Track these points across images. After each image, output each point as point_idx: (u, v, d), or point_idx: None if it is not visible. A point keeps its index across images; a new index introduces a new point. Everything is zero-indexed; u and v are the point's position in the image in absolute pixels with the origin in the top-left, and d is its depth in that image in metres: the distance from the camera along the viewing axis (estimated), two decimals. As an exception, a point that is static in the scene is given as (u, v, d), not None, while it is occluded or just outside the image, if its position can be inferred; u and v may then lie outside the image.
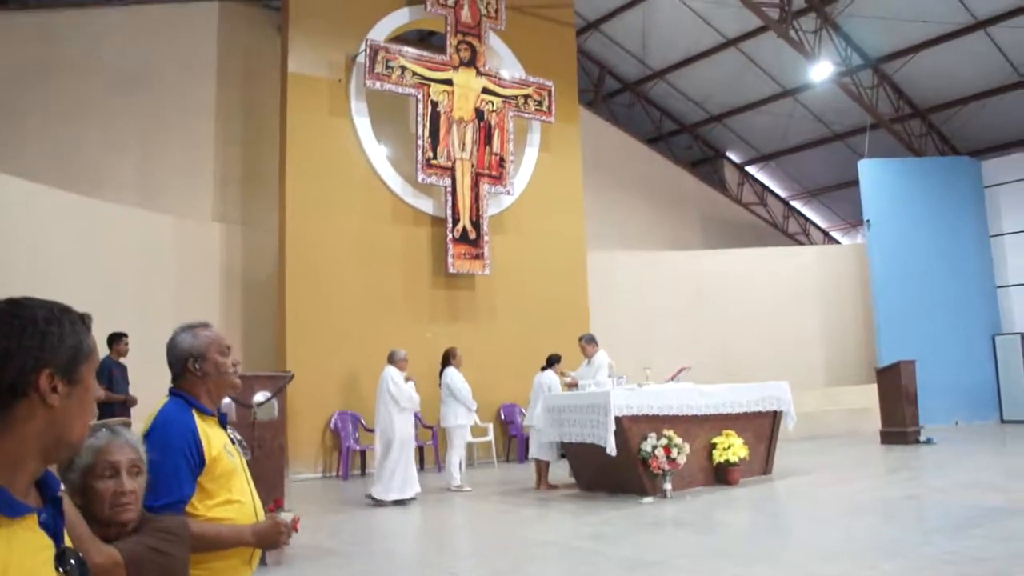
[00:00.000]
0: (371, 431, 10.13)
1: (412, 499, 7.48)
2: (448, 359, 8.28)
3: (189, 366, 2.22)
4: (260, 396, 6.81)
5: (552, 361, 8.73)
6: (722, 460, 7.66)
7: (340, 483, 9.51)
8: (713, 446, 7.79)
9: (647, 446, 7.16)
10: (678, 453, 7.15)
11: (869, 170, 14.46)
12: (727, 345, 14.49)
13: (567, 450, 8.14)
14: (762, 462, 8.30)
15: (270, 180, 11.10)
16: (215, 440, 2.16)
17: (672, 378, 8.58)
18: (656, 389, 7.65)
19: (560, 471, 8.75)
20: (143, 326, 8.83)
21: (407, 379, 7.69)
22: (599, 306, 13.30)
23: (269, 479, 6.26)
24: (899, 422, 10.86)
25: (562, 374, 8.65)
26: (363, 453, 10.21)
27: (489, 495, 7.98)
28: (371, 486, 7.51)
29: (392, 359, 7.87)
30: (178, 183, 10.93)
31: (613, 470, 7.45)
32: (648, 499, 7.02)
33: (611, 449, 6.99)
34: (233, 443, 2.31)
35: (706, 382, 8.40)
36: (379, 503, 7.42)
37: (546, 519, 6.62)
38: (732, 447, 7.69)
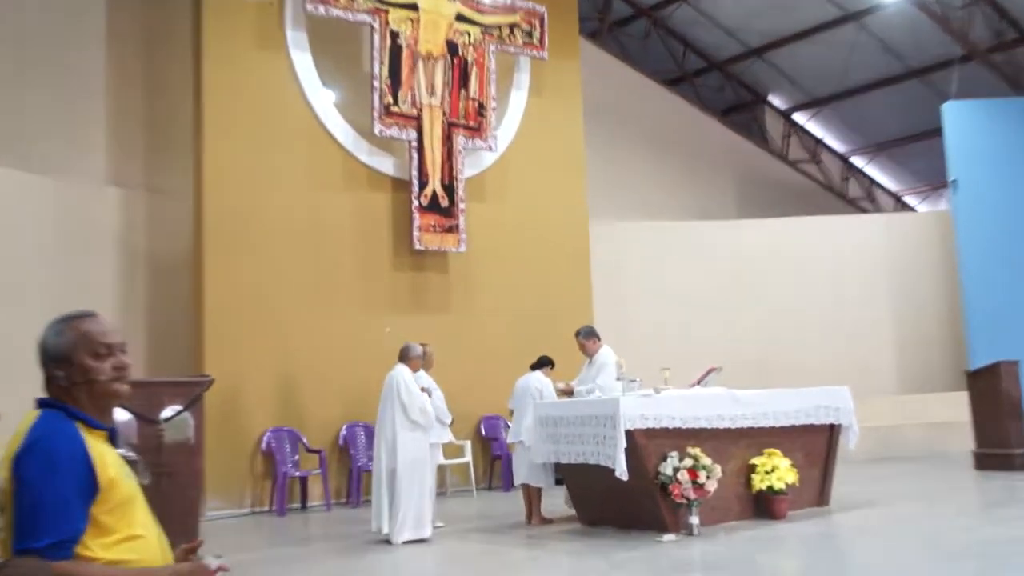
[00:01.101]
0: (315, 452, 10.28)
1: (427, 539, 7.58)
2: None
3: (52, 372, 2.21)
4: (170, 410, 6.74)
5: (543, 362, 8.77)
6: (764, 487, 7.69)
7: (275, 520, 9.62)
8: (752, 469, 7.81)
9: (667, 468, 7.17)
10: (707, 477, 7.15)
11: (957, 115, 14.32)
12: (770, 340, 14.57)
13: (564, 474, 8.18)
14: (816, 490, 8.35)
15: (182, 133, 10.95)
16: (110, 459, 2.16)
17: (699, 381, 8.61)
18: (678, 395, 7.68)
19: (556, 501, 8.82)
20: (7, 318, 8.71)
21: (424, 389, 7.84)
22: (606, 292, 13.41)
23: (180, 517, 6.20)
24: (1000, 441, 10.44)
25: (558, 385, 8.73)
26: (304, 480, 10.33)
27: (467, 533, 8.02)
28: (378, 522, 7.66)
29: (405, 356, 7.96)
30: (58, 136, 10.75)
31: (624, 499, 7.47)
32: (669, 537, 7.02)
33: (621, 472, 6.99)
34: (126, 463, 2.28)
35: (743, 387, 8.47)
36: (391, 543, 7.54)
37: (539, 563, 6.67)
38: (777, 470, 7.72)
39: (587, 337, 8.61)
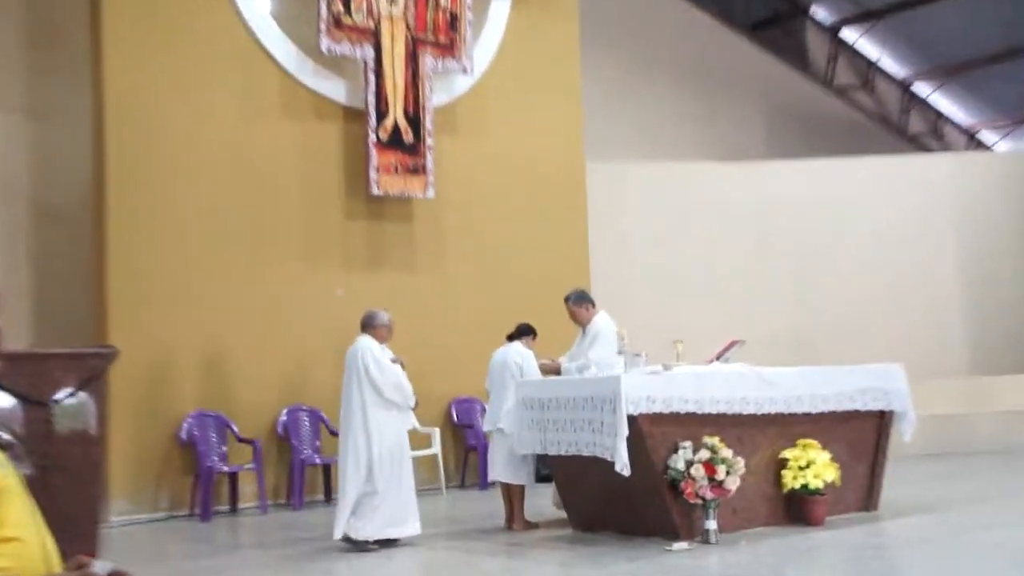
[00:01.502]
0: (247, 442, 10.27)
1: (402, 540, 7.71)
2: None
3: None
4: (64, 391, 6.72)
5: (523, 331, 8.80)
6: (797, 486, 7.72)
7: (197, 526, 9.65)
8: (783, 464, 7.84)
9: (678, 462, 7.19)
10: (727, 473, 7.16)
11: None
12: (806, 308, 14.66)
13: (553, 468, 8.24)
14: (862, 490, 8.39)
15: (75, 43, 10.77)
16: (-26, 444, 2.15)
17: (718, 357, 8.63)
18: (693, 373, 7.71)
19: (543, 500, 8.85)
20: None
21: (395, 360, 7.90)
22: (605, 248, 13.40)
23: (76, 520, 6.20)
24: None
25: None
26: (233, 477, 10.35)
27: (435, 539, 8.02)
28: (338, 520, 7.72)
29: (369, 325, 8.06)
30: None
31: (625, 499, 7.51)
32: (680, 545, 7.06)
33: (622, 466, 7.02)
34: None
35: (772, 364, 8.46)
36: (358, 545, 7.63)
37: None
38: (813, 466, 7.73)
39: (578, 303, 8.64)
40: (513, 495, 8.36)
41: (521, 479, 8.34)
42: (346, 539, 7.69)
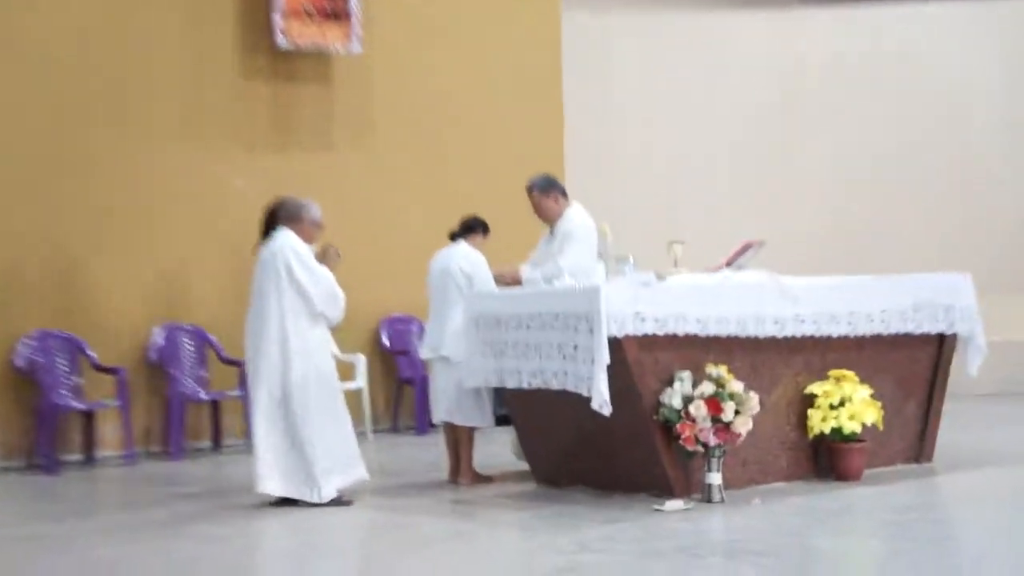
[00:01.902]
0: (109, 371, 10.17)
1: (348, 499, 7.80)
2: (274, 217, 8.16)
3: None
4: None
5: (470, 227, 8.78)
6: (828, 430, 7.78)
7: (40, 480, 9.69)
8: (810, 401, 7.91)
9: (674, 397, 7.21)
10: (736, 413, 7.19)
11: None
12: (846, 200, 14.58)
13: (512, 406, 8.36)
14: (911, 437, 8.50)
15: None
16: None
17: (729, 263, 8.66)
18: (694, 284, 7.77)
19: (498, 448, 9.02)
20: None
21: (322, 255, 7.96)
22: (584, 122, 13.42)
23: None
24: None
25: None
26: (89, 417, 10.42)
27: (361, 497, 8.06)
28: (259, 472, 7.75)
29: (293, 217, 8.00)
30: None
31: (603, 446, 7.62)
32: (674, 504, 7.10)
33: (601, 403, 7.03)
34: None
35: (799, 272, 8.48)
36: (287, 502, 7.69)
37: (468, 543, 6.79)
38: (849, 405, 7.77)
39: (544, 191, 8.57)
40: (460, 441, 8.42)
41: (472, 420, 8.38)
42: (285, 500, 7.74)
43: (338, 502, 7.63)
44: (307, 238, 7.93)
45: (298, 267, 7.70)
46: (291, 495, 7.63)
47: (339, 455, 7.74)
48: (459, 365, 8.20)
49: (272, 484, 7.65)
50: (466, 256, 8.51)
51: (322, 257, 7.98)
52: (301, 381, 7.67)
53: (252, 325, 7.92)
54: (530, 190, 8.57)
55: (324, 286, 7.78)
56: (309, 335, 7.77)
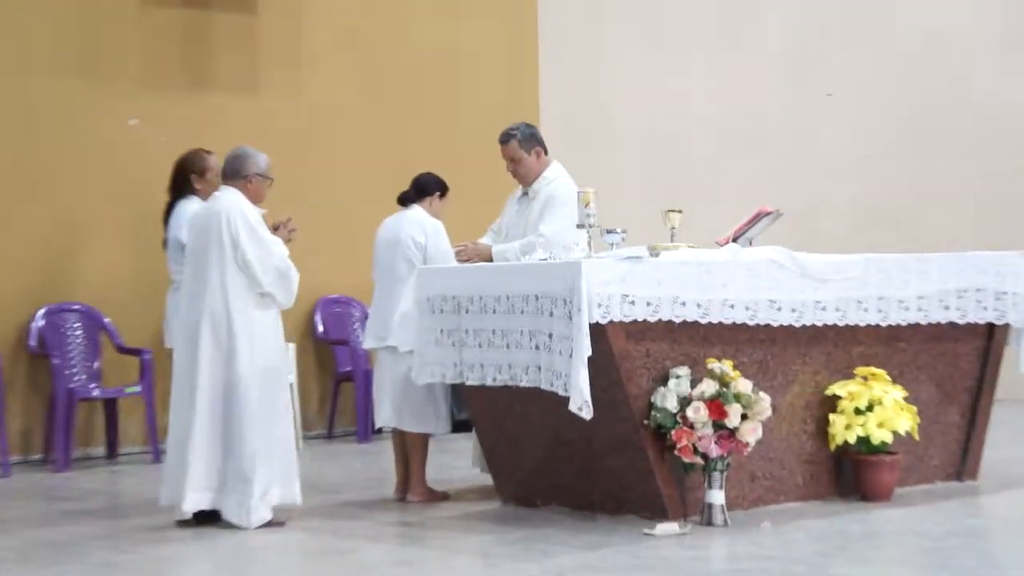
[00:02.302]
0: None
1: (279, 520, 7.82)
2: (184, 173, 8.37)
3: None
4: None
5: (424, 188, 8.79)
6: (853, 439, 7.85)
7: None
8: (832, 405, 7.99)
9: (668, 398, 7.26)
10: (744, 417, 7.23)
11: None
12: (880, 160, 14.65)
13: (473, 408, 8.38)
14: (953, 449, 8.54)
15: None
16: None
17: (737, 236, 8.71)
18: (695, 261, 7.76)
19: (456, 459, 9.13)
20: None
21: (273, 231, 8.02)
22: (563, 60, 13.52)
23: None
24: None
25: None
26: None
27: (295, 517, 8.09)
28: (184, 487, 7.75)
29: (238, 173, 8.01)
30: None
31: (583, 456, 7.66)
32: (667, 528, 7.14)
33: (581, 403, 7.02)
34: None
35: (823, 248, 8.54)
36: (203, 518, 7.74)
37: (421, 574, 6.75)
38: (880, 409, 7.84)
39: (525, 144, 8.61)
40: (410, 450, 8.46)
41: (424, 425, 8.43)
42: (205, 515, 7.74)
43: (267, 523, 7.63)
44: (255, 196, 7.94)
45: (246, 236, 7.69)
46: (220, 509, 7.64)
47: (277, 470, 7.76)
48: (409, 357, 8.19)
49: (203, 496, 7.65)
50: (419, 223, 8.53)
51: (273, 233, 8.01)
52: (245, 376, 7.69)
53: (188, 305, 7.94)
54: (506, 140, 8.60)
55: (275, 261, 7.78)
56: (257, 320, 7.81)
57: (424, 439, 8.43)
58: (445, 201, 8.81)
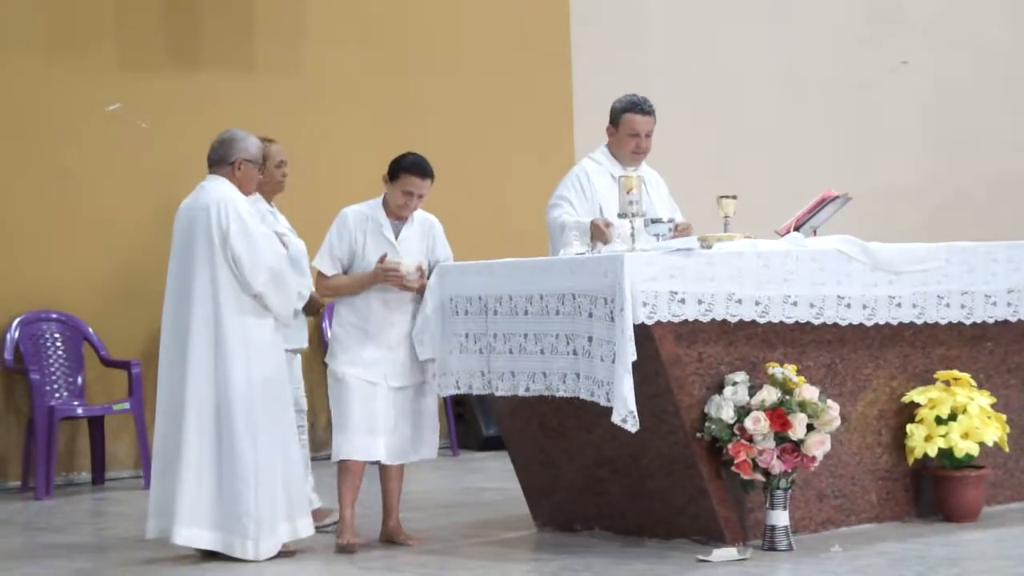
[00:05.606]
0: None
1: (291, 550, 7.85)
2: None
3: None
4: None
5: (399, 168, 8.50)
6: (934, 453, 7.85)
7: None
8: (910, 414, 8.00)
9: (724, 408, 7.27)
10: (810, 428, 7.24)
11: None
12: (961, 142, 14.62)
13: (504, 423, 8.58)
14: None
15: None
16: None
17: (799, 224, 8.77)
18: (752, 253, 7.77)
19: (485, 483, 9.14)
20: None
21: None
22: (603, 33, 13.69)
23: None
24: None
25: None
26: None
27: (309, 545, 8.11)
28: (175, 518, 7.67)
29: (224, 160, 7.99)
30: None
31: (628, 475, 7.70)
32: (723, 553, 7.16)
33: (625, 414, 7.02)
34: None
35: (898, 237, 8.61)
36: (209, 554, 7.74)
37: None
38: (964, 418, 7.83)
39: None
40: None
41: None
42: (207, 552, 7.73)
43: (277, 555, 7.61)
44: (245, 185, 7.92)
45: (236, 237, 7.64)
46: (219, 548, 7.57)
47: (284, 498, 7.70)
48: (438, 362, 8.12)
49: (197, 533, 7.57)
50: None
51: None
52: (241, 391, 7.64)
53: (167, 312, 7.95)
54: (653, 111, 8.72)
55: (266, 263, 7.71)
56: (253, 332, 7.75)
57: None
58: (399, 185, 8.29)
